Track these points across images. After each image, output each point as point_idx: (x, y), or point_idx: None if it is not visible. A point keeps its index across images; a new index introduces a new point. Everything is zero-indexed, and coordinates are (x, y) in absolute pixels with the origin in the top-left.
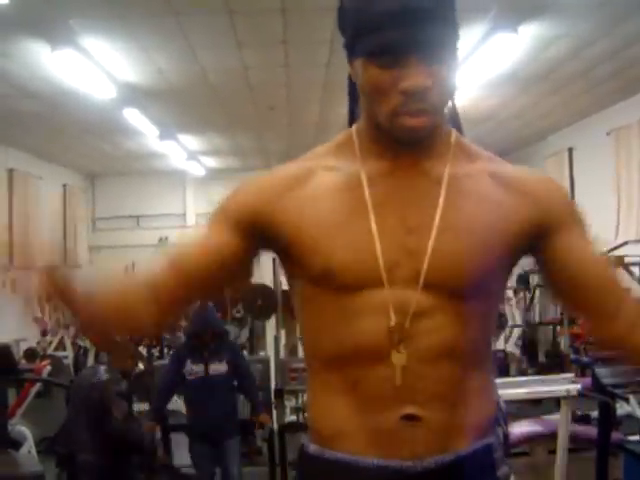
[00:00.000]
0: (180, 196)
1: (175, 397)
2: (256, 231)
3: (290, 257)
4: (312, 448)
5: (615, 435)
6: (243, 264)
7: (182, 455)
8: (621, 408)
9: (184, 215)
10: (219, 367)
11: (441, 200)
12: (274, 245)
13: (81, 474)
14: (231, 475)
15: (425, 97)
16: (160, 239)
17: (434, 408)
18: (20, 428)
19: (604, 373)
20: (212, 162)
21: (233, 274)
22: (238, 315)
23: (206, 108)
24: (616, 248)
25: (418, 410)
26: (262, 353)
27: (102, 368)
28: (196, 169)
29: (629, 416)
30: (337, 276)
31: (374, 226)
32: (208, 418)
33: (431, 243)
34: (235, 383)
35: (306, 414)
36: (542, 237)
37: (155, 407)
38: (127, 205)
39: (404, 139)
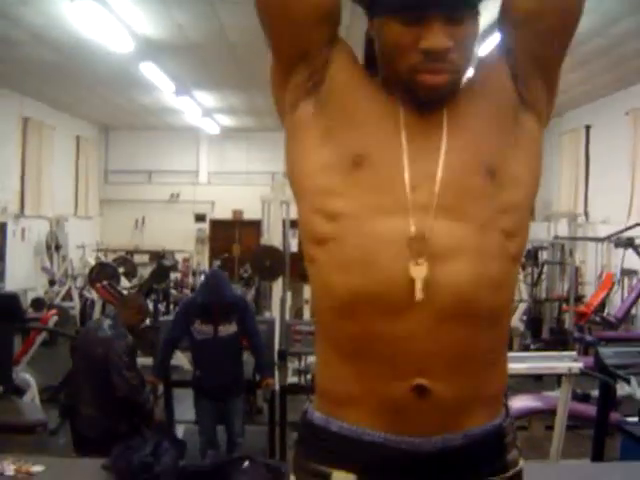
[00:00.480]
0: (193, 153)
1: (179, 353)
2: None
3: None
4: (317, 417)
5: (614, 415)
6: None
7: (184, 411)
8: (621, 389)
9: (197, 172)
10: (228, 328)
11: (444, 125)
12: (316, 78)
13: (84, 427)
14: (235, 432)
15: (445, 57)
16: (172, 195)
17: (446, 379)
18: (24, 375)
19: (607, 353)
20: (227, 120)
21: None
22: (245, 275)
23: (223, 65)
24: (627, 229)
25: (429, 382)
26: (267, 314)
27: (107, 322)
28: (211, 127)
29: (629, 397)
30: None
31: (405, 145)
32: (215, 378)
33: (441, 165)
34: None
35: (312, 376)
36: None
37: (159, 360)
38: (140, 160)
39: (423, 96)
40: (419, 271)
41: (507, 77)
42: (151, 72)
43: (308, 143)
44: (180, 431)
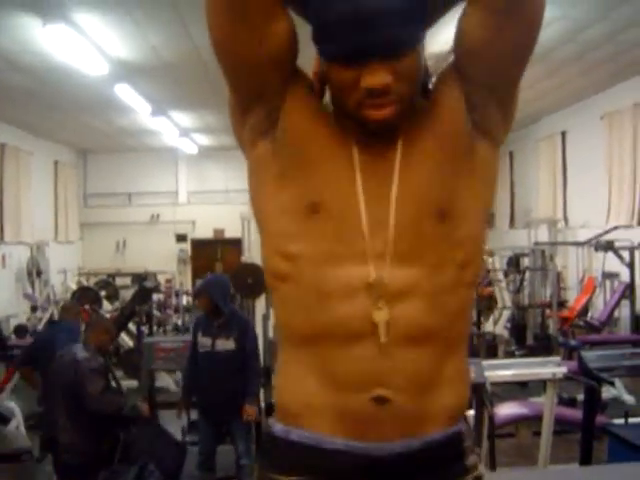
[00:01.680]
0: (172, 174)
1: (164, 374)
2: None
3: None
4: (278, 428)
5: (600, 418)
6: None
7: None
8: (607, 392)
9: (176, 192)
10: (226, 343)
11: (397, 163)
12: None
13: (66, 456)
14: (239, 454)
15: (388, 91)
16: (152, 216)
17: (406, 392)
18: (9, 404)
19: (590, 357)
20: (204, 140)
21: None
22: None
23: (198, 85)
24: (606, 233)
25: (389, 393)
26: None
27: (79, 347)
28: (188, 147)
29: (615, 400)
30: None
31: (360, 191)
32: (212, 394)
33: (393, 212)
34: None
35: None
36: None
37: (184, 383)
38: (119, 182)
39: (373, 129)
40: (381, 315)
41: (462, 104)
42: (127, 94)
43: (267, 184)
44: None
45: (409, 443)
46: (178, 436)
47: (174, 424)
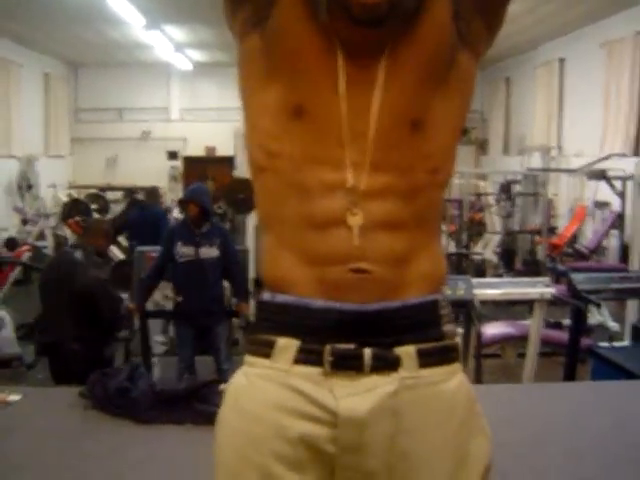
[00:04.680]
0: (164, 90)
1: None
2: None
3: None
4: (264, 295)
5: (585, 341)
6: None
7: (158, 343)
8: (593, 318)
9: (168, 109)
10: (210, 251)
11: (380, 74)
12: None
13: (67, 362)
14: (221, 358)
15: None
16: (143, 132)
17: (383, 265)
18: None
19: (579, 279)
20: (198, 56)
21: None
22: (220, 211)
23: None
24: (600, 161)
25: (367, 265)
26: (241, 247)
27: (77, 253)
28: (182, 62)
29: (600, 326)
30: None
31: (343, 94)
32: (197, 301)
33: (374, 117)
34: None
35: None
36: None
37: (143, 287)
38: (110, 97)
39: (356, 18)
40: (355, 220)
41: (448, 13)
42: (120, 5)
43: (254, 79)
44: (155, 363)
45: (388, 304)
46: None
47: (162, 334)
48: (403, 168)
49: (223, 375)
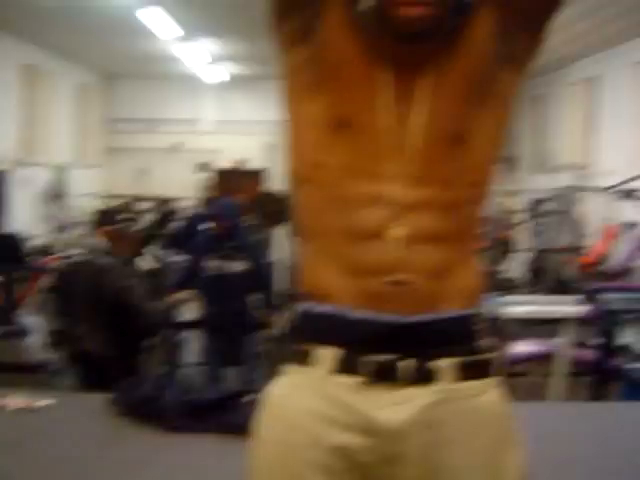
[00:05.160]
0: (197, 102)
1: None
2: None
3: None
4: (303, 307)
5: (612, 362)
6: None
7: (189, 354)
8: (621, 338)
9: (200, 121)
10: (235, 265)
11: (423, 88)
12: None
13: (98, 371)
14: (248, 374)
15: None
16: (174, 144)
17: (422, 276)
18: (29, 318)
19: (609, 298)
20: (231, 68)
21: None
22: (249, 223)
23: (228, 10)
24: (630, 180)
25: (406, 277)
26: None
27: (106, 259)
28: (215, 75)
29: (627, 347)
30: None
31: (385, 108)
32: (223, 315)
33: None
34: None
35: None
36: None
37: (176, 284)
38: (143, 108)
39: (401, 32)
40: (396, 233)
41: (491, 28)
42: (155, 17)
43: (298, 91)
44: (185, 374)
45: (426, 317)
46: (193, 357)
47: (190, 345)
48: (444, 182)
49: (250, 387)
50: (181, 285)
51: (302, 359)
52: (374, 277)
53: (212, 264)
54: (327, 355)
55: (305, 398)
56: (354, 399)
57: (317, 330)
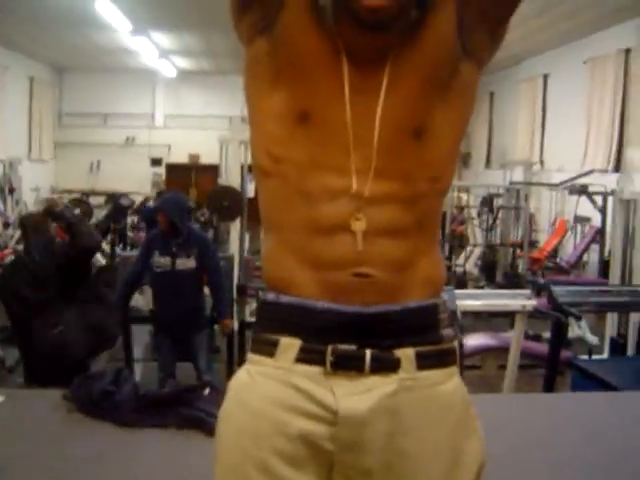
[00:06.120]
0: (149, 96)
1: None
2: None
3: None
4: (269, 295)
5: (564, 354)
6: None
7: (142, 350)
8: (572, 332)
9: (153, 115)
10: (187, 262)
11: (385, 81)
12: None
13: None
14: (200, 368)
15: None
16: (127, 139)
17: (385, 270)
18: None
19: (560, 292)
20: (184, 63)
21: None
22: (202, 219)
23: (180, 4)
24: (581, 176)
25: (369, 270)
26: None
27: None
28: (167, 69)
29: (579, 339)
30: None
31: (348, 101)
32: (173, 312)
33: (377, 128)
34: (202, 278)
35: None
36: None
37: (117, 296)
38: (95, 102)
39: (364, 22)
40: (359, 226)
41: (453, 22)
42: (107, 9)
43: (260, 83)
44: (138, 369)
45: (388, 307)
46: (144, 353)
47: (141, 340)
48: (405, 175)
49: (206, 381)
50: (131, 281)
51: (265, 349)
52: (336, 269)
53: (161, 261)
54: (290, 345)
55: (269, 387)
56: (317, 388)
57: (280, 320)
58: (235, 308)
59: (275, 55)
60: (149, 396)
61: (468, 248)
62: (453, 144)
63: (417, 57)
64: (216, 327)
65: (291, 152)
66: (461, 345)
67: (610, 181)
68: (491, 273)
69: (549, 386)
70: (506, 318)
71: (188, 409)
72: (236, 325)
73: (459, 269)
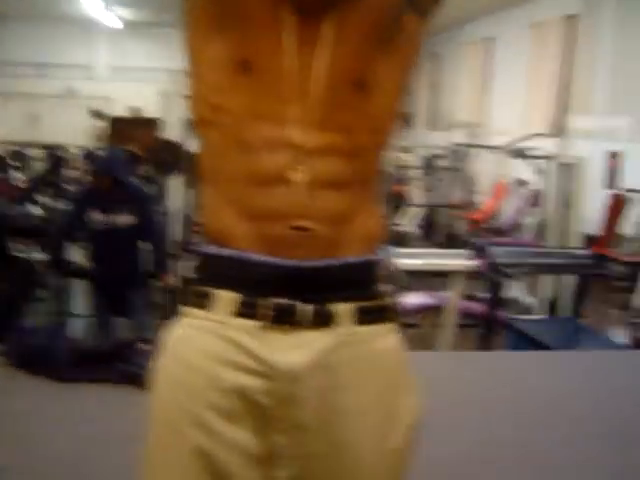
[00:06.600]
0: (91, 47)
1: (74, 246)
2: None
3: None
4: (208, 247)
5: (501, 314)
6: None
7: (82, 304)
8: (509, 292)
9: (94, 67)
10: (124, 218)
11: (325, 31)
12: None
13: None
14: (139, 326)
15: None
16: (67, 90)
17: (323, 223)
18: None
19: (497, 253)
20: (127, 13)
21: None
22: (144, 173)
23: None
24: (522, 139)
25: (308, 223)
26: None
27: None
28: (111, 20)
29: (515, 300)
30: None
31: (288, 51)
32: (111, 269)
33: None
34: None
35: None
36: None
37: (53, 251)
38: (34, 51)
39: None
40: (298, 178)
41: None
42: None
43: (200, 29)
44: (76, 324)
45: (327, 261)
46: (82, 309)
47: (80, 296)
48: (346, 127)
49: (142, 337)
50: (64, 235)
51: (202, 302)
52: (275, 222)
53: (96, 217)
54: (227, 298)
55: (205, 340)
56: (253, 342)
57: (217, 273)
58: (176, 264)
59: (217, 2)
60: (85, 351)
61: (409, 208)
62: (396, 97)
63: (361, 9)
64: (156, 283)
65: (231, 102)
66: (399, 304)
67: (550, 145)
68: (430, 233)
69: (485, 344)
70: (444, 278)
71: (125, 364)
72: (177, 281)
73: (400, 229)
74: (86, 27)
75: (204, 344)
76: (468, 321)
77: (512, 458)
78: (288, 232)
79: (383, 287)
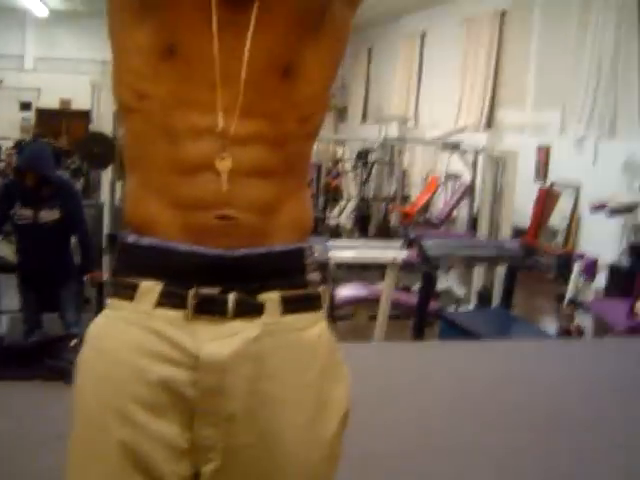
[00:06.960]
0: (19, 37)
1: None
2: None
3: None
4: (130, 237)
5: (433, 305)
6: None
7: (9, 301)
8: (441, 283)
9: (22, 57)
10: (50, 214)
11: (254, 17)
12: None
13: None
14: (68, 322)
15: None
16: None
17: (249, 212)
18: None
19: (429, 245)
20: (56, 2)
21: None
22: (73, 166)
23: None
24: (454, 133)
25: (233, 212)
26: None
27: None
28: (38, 8)
29: (447, 292)
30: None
31: (216, 36)
32: (38, 264)
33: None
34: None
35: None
36: None
37: None
38: None
39: None
40: (224, 165)
41: None
42: None
43: (125, 13)
44: (4, 320)
45: (253, 250)
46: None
47: (8, 291)
48: (272, 115)
49: (73, 332)
50: None
51: (125, 293)
52: (200, 211)
53: (23, 212)
54: (150, 288)
55: (129, 332)
56: (178, 333)
57: (141, 263)
58: (105, 257)
59: None
60: (14, 347)
61: (342, 201)
62: (324, 85)
63: None
64: (85, 278)
65: (156, 88)
66: (332, 296)
67: (481, 139)
68: (364, 226)
69: (418, 335)
70: (378, 270)
71: (54, 360)
72: (106, 275)
73: (333, 221)
74: (13, 16)
75: (128, 336)
76: (401, 312)
77: (446, 447)
78: (213, 221)
79: (310, 275)
